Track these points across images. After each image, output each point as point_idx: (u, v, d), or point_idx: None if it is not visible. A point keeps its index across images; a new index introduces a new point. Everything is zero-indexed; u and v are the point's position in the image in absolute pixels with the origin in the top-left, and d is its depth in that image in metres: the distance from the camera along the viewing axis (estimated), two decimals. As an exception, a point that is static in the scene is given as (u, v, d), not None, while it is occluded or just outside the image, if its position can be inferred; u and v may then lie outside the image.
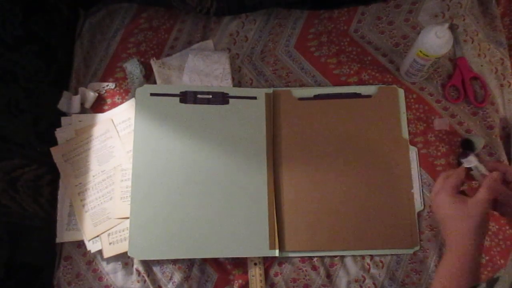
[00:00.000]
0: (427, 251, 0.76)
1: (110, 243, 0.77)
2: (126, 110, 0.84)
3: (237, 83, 0.87)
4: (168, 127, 0.80)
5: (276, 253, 0.75)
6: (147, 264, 0.77)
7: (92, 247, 0.77)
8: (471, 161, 0.67)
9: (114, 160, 0.81)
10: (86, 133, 0.83)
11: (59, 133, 0.83)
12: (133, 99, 0.84)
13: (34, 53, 0.81)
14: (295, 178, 0.79)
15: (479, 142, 0.77)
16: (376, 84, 0.84)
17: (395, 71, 0.85)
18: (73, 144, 0.82)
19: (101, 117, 0.84)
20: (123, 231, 0.77)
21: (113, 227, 0.78)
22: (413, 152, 0.80)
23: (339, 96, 0.83)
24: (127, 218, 0.77)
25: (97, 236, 0.78)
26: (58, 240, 0.79)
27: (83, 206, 0.79)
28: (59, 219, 0.80)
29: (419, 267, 0.75)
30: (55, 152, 0.82)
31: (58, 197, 0.81)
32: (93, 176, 0.81)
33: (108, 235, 0.77)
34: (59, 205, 0.80)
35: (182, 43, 0.90)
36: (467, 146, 0.78)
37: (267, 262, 0.77)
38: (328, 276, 0.76)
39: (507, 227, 0.75)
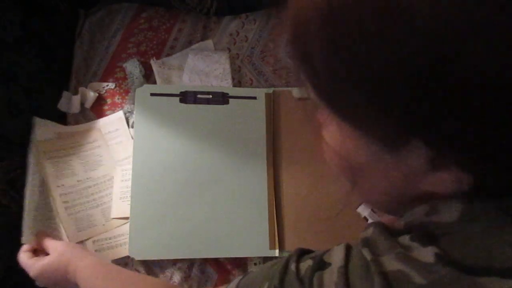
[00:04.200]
0: (427, 251, 0.76)
1: (95, 250, 0.74)
2: (114, 122, 0.83)
3: (237, 83, 0.87)
4: (168, 127, 0.80)
5: (276, 253, 0.75)
6: (147, 264, 0.77)
7: None
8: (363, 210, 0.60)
9: (103, 169, 0.80)
10: (72, 138, 0.81)
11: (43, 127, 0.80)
12: (121, 111, 0.84)
13: (34, 53, 0.81)
14: (295, 178, 0.79)
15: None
16: (376, 84, 0.84)
17: (395, 71, 0.85)
18: (56, 145, 0.79)
19: (89, 126, 0.83)
20: (110, 239, 0.75)
21: (98, 235, 0.76)
22: (413, 152, 0.80)
23: (339, 96, 0.83)
24: (126, 218, 0.77)
25: (81, 241, 0.75)
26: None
27: (66, 208, 0.76)
28: (26, 219, 0.71)
29: None
30: (35, 148, 0.77)
31: (26, 195, 0.73)
32: (78, 181, 0.78)
33: (93, 242, 0.75)
34: (27, 205, 0.72)
35: (182, 43, 0.90)
36: None
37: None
38: (328, 276, 0.76)
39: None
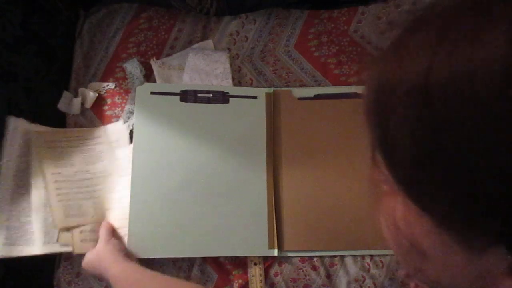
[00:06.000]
0: (427, 251, 0.76)
1: (81, 240, 0.73)
2: (117, 130, 0.83)
3: (237, 83, 0.87)
4: (168, 126, 0.80)
5: (275, 252, 0.75)
6: (147, 264, 0.77)
7: (44, 248, 0.71)
8: None
9: (102, 164, 0.80)
10: (76, 133, 0.82)
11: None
12: (121, 121, 0.84)
13: (34, 53, 0.81)
14: (295, 177, 0.79)
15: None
16: (376, 84, 0.84)
17: (395, 71, 0.85)
18: (59, 135, 0.80)
19: (92, 127, 0.84)
20: (95, 232, 0.75)
21: (85, 225, 0.74)
22: (413, 152, 0.80)
23: (339, 96, 0.83)
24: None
25: (67, 228, 0.73)
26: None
27: (57, 195, 0.75)
28: None
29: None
30: (37, 136, 0.78)
31: None
32: (75, 172, 0.78)
33: (81, 232, 0.74)
34: None
35: (182, 43, 0.90)
36: None
37: (267, 262, 0.77)
38: (328, 276, 0.76)
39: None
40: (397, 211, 0.29)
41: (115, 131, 0.83)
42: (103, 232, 0.72)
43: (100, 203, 0.77)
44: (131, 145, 0.80)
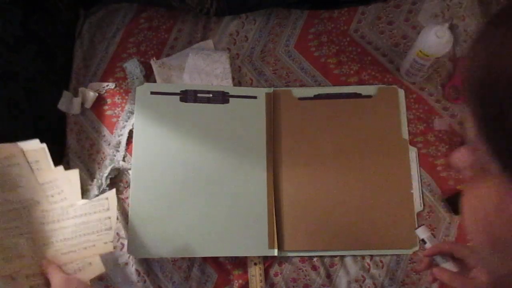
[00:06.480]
0: (427, 251, 0.76)
1: (31, 287, 0.62)
2: (35, 152, 0.68)
3: (237, 83, 0.87)
4: (168, 126, 0.80)
5: (275, 252, 0.75)
6: (147, 264, 0.77)
7: None
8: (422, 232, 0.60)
9: (23, 190, 0.65)
10: None
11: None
12: (38, 142, 0.68)
13: (34, 53, 0.81)
14: (295, 177, 0.79)
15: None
16: (376, 84, 0.84)
17: (395, 71, 0.85)
18: None
19: (8, 145, 0.67)
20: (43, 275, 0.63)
21: (27, 267, 0.63)
22: (413, 152, 0.80)
23: (339, 96, 0.83)
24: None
25: (11, 276, 0.61)
26: None
27: None
28: None
29: (419, 267, 0.75)
30: None
31: None
32: None
33: (27, 277, 0.62)
34: None
35: (182, 43, 0.90)
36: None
37: (267, 262, 0.77)
38: (328, 276, 0.76)
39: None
40: (495, 201, 0.26)
41: (32, 150, 0.68)
42: (54, 275, 0.61)
43: (35, 239, 0.64)
44: (58, 168, 0.68)
